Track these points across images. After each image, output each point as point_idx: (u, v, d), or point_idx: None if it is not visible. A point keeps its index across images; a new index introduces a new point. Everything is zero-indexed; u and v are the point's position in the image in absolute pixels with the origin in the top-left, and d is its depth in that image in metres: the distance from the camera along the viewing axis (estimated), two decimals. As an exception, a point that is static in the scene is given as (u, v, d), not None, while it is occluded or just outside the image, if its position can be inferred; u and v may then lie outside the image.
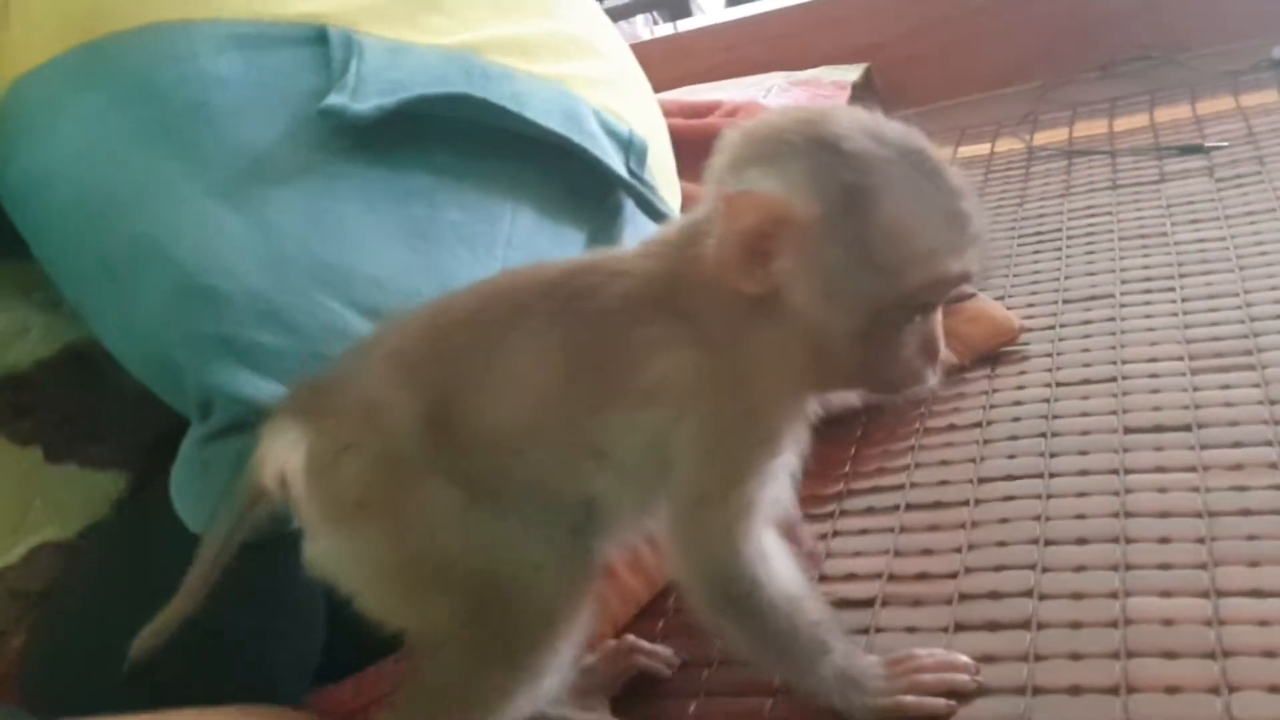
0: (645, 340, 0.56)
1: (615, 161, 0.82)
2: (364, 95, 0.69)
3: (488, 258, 0.74)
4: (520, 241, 0.76)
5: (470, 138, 0.76)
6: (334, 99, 0.69)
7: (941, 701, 0.59)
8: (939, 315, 0.58)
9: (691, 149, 1.08)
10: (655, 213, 0.83)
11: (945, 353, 0.59)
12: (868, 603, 0.71)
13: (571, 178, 0.80)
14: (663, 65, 1.95)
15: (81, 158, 0.68)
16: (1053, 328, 0.97)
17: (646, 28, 3.20)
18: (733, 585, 0.57)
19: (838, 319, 0.54)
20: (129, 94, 0.68)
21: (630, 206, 0.85)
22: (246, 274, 0.64)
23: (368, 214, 0.69)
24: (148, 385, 0.70)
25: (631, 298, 0.56)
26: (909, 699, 0.59)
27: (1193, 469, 0.74)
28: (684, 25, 2.38)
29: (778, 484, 0.59)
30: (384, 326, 0.60)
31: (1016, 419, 0.86)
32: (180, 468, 0.66)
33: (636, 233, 0.85)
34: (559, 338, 0.56)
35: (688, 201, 1.09)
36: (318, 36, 0.73)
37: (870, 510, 0.80)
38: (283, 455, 0.55)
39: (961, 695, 0.60)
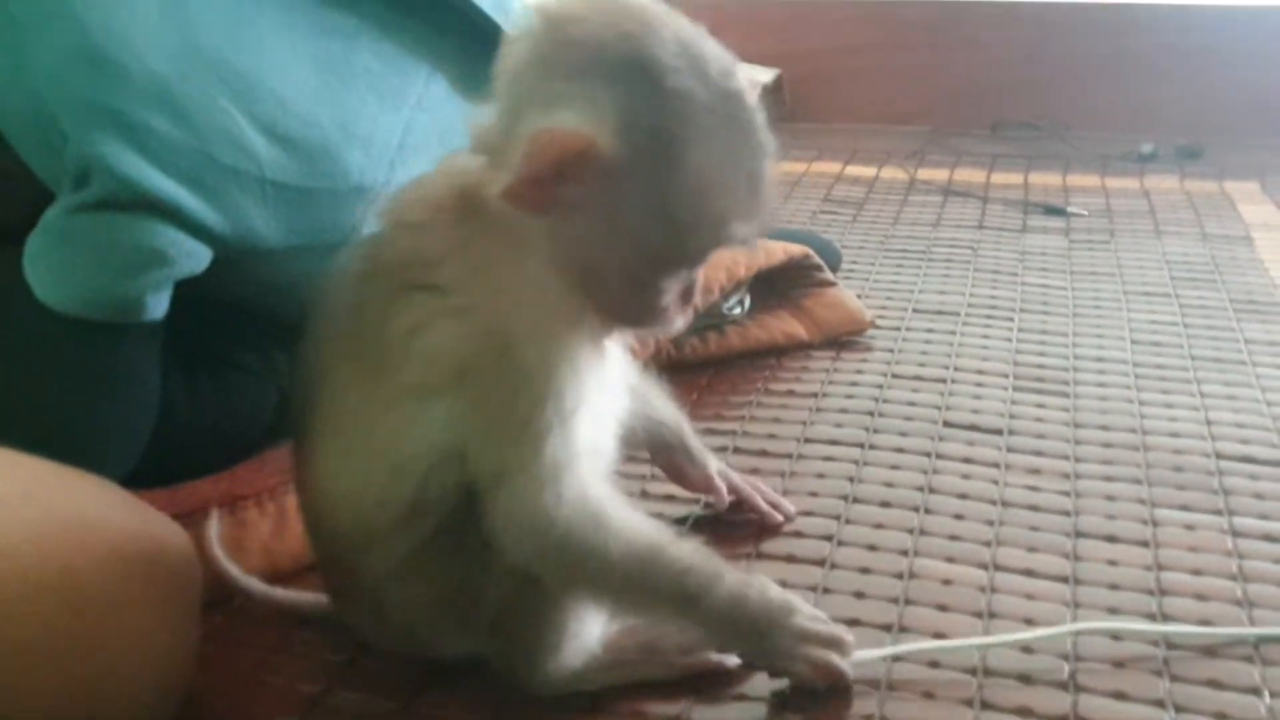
0: (401, 328, 0.52)
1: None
2: None
3: (394, 113, 0.74)
4: (430, 105, 0.76)
5: (400, -2, 0.76)
6: None
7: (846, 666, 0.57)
8: (700, 272, 0.56)
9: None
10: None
11: (692, 305, 0.57)
12: (679, 522, 0.74)
13: (490, 60, 0.81)
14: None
15: None
16: (899, 329, 1.03)
17: None
18: (567, 554, 0.52)
19: (613, 257, 0.52)
20: None
21: None
22: (151, 56, 0.63)
23: (286, 35, 0.69)
24: (19, 149, 0.68)
25: (392, 271, 0.53)
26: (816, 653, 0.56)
27: (996, 465, 0.80)
28: None
29: (590, 433, 0.54)
30: None
31: (850, 396, 0.91)
32: (39, 235, 0.64)
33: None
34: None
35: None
36: None
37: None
38: None
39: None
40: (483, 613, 0.55)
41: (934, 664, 0.59)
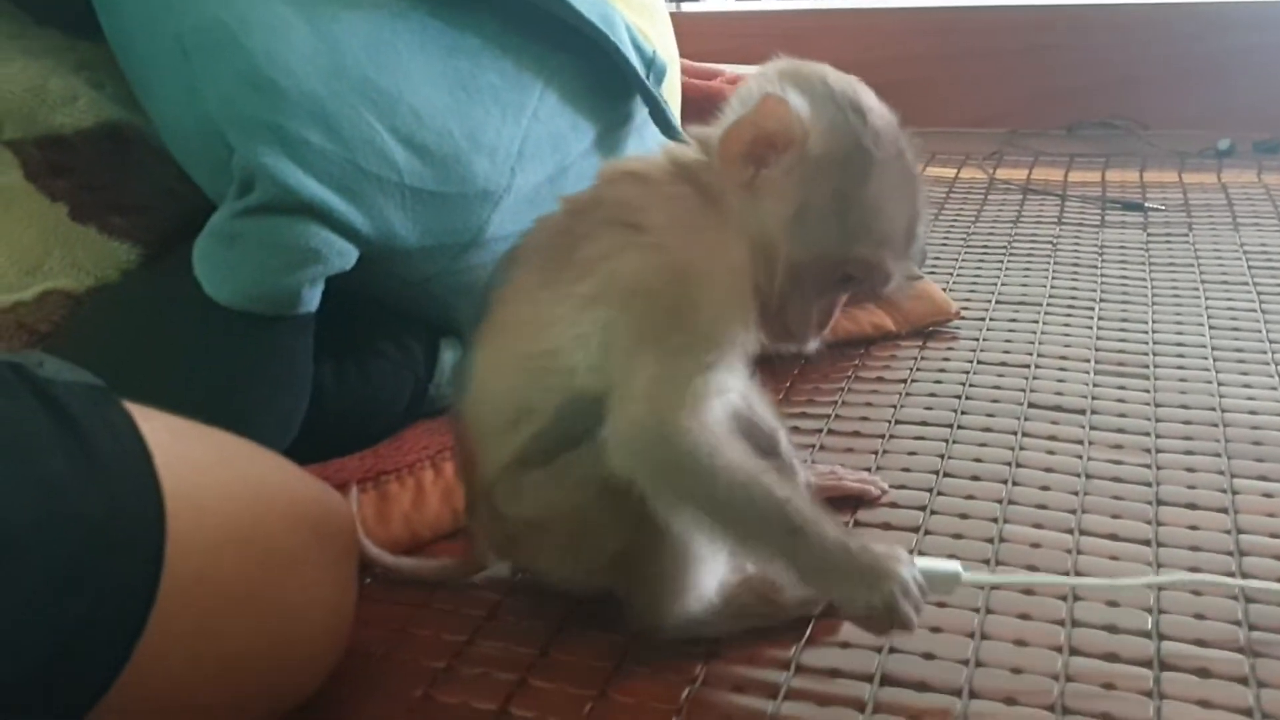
0: (594, 253, 0.59)
1: (638, 69, 0.90)
2: None
3: (514, 123, 0.81)
4: (544, 117, 0.83)
5: (519, 15, 0.83)
6: None
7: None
8: (844, 298, 0.64)
9: (693, 105, 1.17)
10: (667, 124, 0.91)
11: (827, 331, 0.64)
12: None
13: (597, 75, 0.88)
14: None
15: None
16: (983, 319, 1.08)
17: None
18: (684, 472, 0.56)
19: (787, 244, 0.59)
20: None
21: (639, 119, 0.93)
22: (306, 77, 0.71)
23: (420, 55, 0.77)
24: (188, 165, 0.76)
25: (601, 208, 0.61)
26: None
27: (1079, 443, 0.84)
28: (687, 7, 2.43)
29: (730, 379, 0.59)
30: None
31: (938, 381, 0.96)
32: (207, 238, 0.72)
33: (641, 144, 0.93)
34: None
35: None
36: None
37: (794, 430, 0.90)
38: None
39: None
40: (605, 545, 0.60)
41: (1024, 615, 0.64)
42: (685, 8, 2.41)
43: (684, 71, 1.42)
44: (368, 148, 0.73)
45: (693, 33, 2.13)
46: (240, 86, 0.70)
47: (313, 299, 0.73)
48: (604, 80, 0.88)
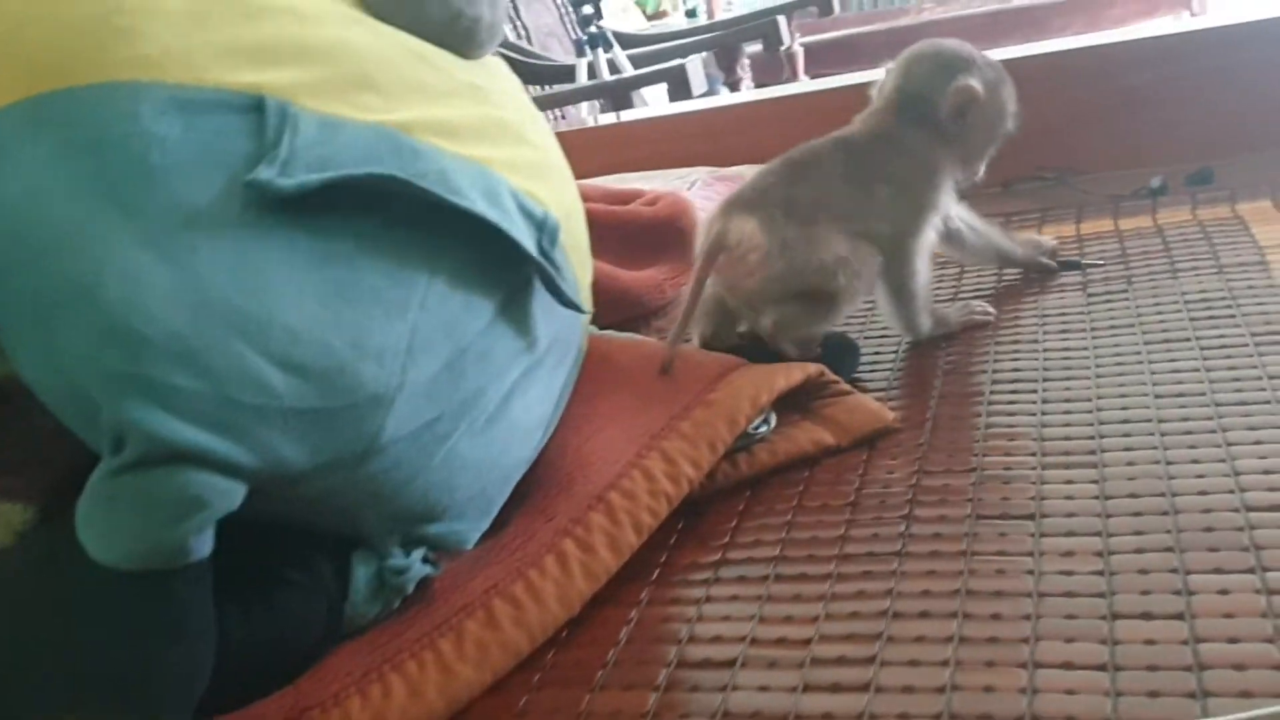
0: (883, 160, 1.17)
1: (528, 239, 0.89)
2: (293, 169, 0.75)
3: (400, 320, 0.79)
4: (433, 305, 0.82)
5: (394, 209, 0.82)
6: (262, 172, 0.74)
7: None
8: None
9: (609, 231, 1.16)
10: (557, 291, 0.90)
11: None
12: (729, 664, 0.76)
13: (486, 250, 0.86)
14: (605, 150, 2.05)
15: (22, 200, 0.72)
16: (925, 421, 1.05)
17: (591, 115, 3.33)
18: (910, 279, 1.20)
19: (981, 138, 1.23)
20: (75, 146, 0.73)
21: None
22: (168, 319, 0.69)
23: (290, 271, 0.75)
24: (62, 419, 0.74)
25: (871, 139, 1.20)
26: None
27: (1030, 554, 0.81)
28: (626, 115, 2.52)
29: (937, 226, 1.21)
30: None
31: (883, 501, 0.93)
32: (86, 500, 0.70)
33: (544, 301, 0.91)
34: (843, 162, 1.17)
35: (599, 276, 1.16)
36: (255, 105, 0.79)
37: (742, 579, 0.87)
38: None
39: None
40: None
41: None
42: (625, 116, 2.46)
43: (599, 198, 1.42)
44: (241, 379, 0.71)
45: (635, 139, 2.16)
46: (99, 343, 0.69)
47: (203, 546, 0.70)
48: (495, 254, 0.87)
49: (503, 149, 0.94)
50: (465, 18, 1.00)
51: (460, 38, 1.01)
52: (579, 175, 1.12)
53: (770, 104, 2.08)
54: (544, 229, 0.91)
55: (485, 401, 0.85)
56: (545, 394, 0.94)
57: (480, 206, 0.85)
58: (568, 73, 3.58)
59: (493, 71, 1.06)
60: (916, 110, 1.18)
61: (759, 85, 3.58)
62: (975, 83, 1.16)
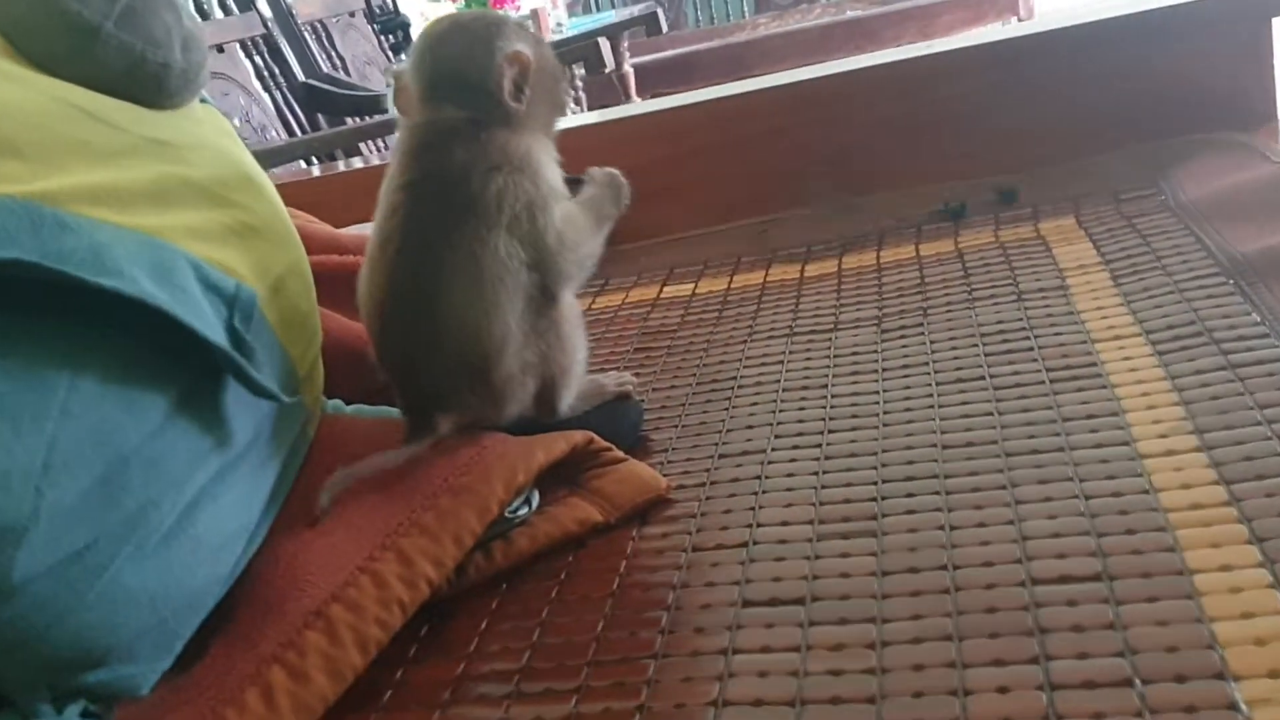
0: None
1: (211, 320, 0.76)
2: None
3: (33, 433, 0.66)
4: (78, 411, 0.68)
5: (30, 296, 0.68)
6: None
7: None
8: None
9: (342, 282, 1.03)
10: (247, 379, 0.77)
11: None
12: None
13: (154, 339, 0.73)
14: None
15: None
16: (704, 485, 0.96)
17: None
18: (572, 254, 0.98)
19: (547, 96, 1.02)
20: None
21: None
22: None
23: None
24: None
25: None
26: None
27: (796, 649, 0.72)
28: None
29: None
30: None
31: (647, 589, 0.83)
32: None
33: (241, 389, 0.79)
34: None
35: (344, 341, 1.04)
36: None
37: (482, 699, 0.75)
38: None
39: None
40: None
41: None
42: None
43: (319, 249, 1.26)
44: None
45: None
46: None
47: None
48: (166, 339, 0.74)
49: (186, 214, 0.81)
50: (150, 64, 0.87)
51: (145, 87, 0.88)
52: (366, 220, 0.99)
53: (591, 129, 1.97)
54: (235, 305, 0.79)
55: (158, 517, 0.72)
56: (247, 498, 0.81)
57: (143, 287, 0.72)
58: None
59: (194, 123, 0.93)
60: (463, 99, 0.94)
61: (594, 108, 3.49)
62: (523, 47, 0.96)
